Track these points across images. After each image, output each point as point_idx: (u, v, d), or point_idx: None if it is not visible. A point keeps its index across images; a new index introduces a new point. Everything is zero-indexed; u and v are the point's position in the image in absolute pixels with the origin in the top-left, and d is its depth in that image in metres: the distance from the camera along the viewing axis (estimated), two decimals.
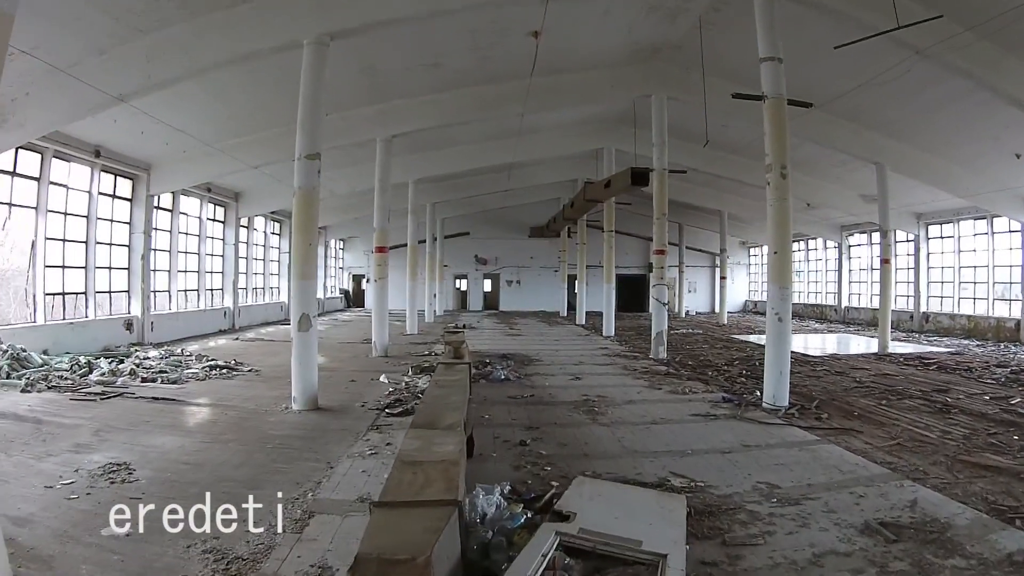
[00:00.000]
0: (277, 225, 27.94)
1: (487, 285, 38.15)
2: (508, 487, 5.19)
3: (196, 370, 12.20)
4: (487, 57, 13.49)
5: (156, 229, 18.29)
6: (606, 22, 13.05)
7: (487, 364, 12.84)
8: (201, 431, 7.83)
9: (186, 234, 20.29)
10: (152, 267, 17.84)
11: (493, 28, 12.22)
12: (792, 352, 16.62)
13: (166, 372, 11.83)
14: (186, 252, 20.32)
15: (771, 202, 9.53)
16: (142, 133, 14.97)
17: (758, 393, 10.06)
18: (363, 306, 36.53)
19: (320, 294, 33.73)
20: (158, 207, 18.41)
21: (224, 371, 12.40)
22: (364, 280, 37.57)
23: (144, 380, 11.02)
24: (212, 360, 13.49)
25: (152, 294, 17.64)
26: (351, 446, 7.04)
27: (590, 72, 15.23)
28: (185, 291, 20.34)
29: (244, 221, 23.93)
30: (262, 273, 26.54)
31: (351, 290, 38.25)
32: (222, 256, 22.54)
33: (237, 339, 18.78)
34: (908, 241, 25.42)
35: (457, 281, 38.23)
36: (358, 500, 5.34)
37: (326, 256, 34.74)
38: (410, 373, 11.82)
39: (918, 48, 12.24)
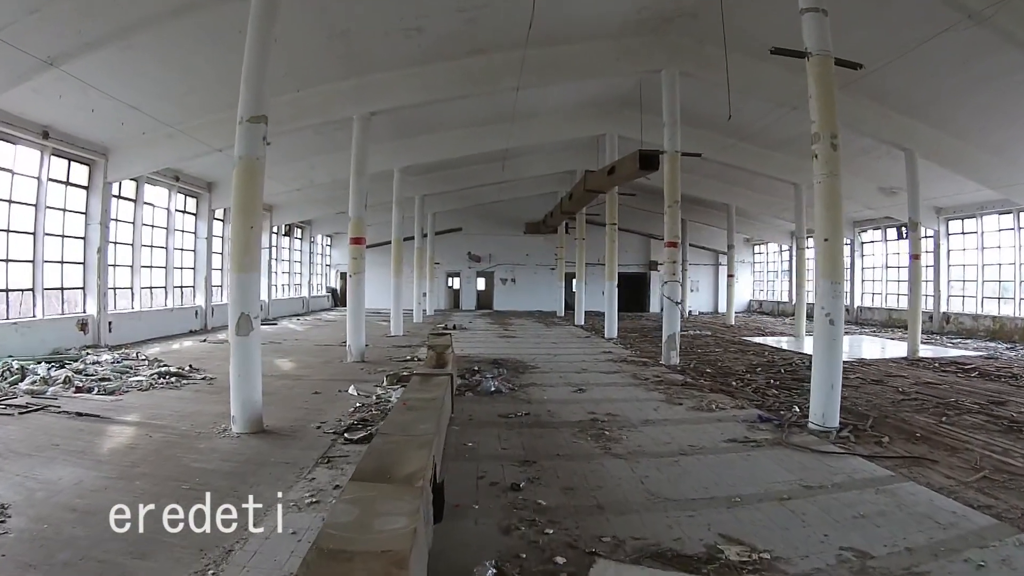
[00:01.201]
0: None
1: (480, 283, 36.38)
2: (492, 571, 3.65)
3: (143, 378, 10.66)
4: (475, 20, 11.80)
5: (116, 220, 16.71)
6: None
7: (476, 372, 11.14)
8: (112, 461, 6.27)
9: (152, 226, 18.57)
10: (112, 262, 16.32)
11: None
12: (806, 355, 15.28)
13: (109, 380, 10.34)
14: (151, 246, 18.59)
15: (819, 178, 7.91)
16: (92, 111, 13.36)
17: (797, 409, 8.48)
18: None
19: (305, 292, 32.15)
20: (118, 196, 16.82)
21: (174, 379, 10.79)
22: (349, 276, 35.72)
23: (78, 390, 9.59)
24: (164, 366, 11.90)
25: (111, 291, 16.07)
26: (289, 488, 5.38)
27: (593, 42, 13.52)
28: (151, 288, 18.62)
29: (219, 214, 22.29)
30: None
31: (339, 288, 36.56)
32: (193, 251, 20.81)
33: (205, 341, 17.11)
34: (927, 237, 23.76)
35: (449, 279, 36.51)
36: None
37: (311, 252, 33.13)
38: (385, 383, 10.10)
39: (971, 11, 10.71)
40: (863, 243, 28.23)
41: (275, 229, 27.64)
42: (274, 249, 27.70)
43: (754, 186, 25.80)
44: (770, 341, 18.77)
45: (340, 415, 7.85)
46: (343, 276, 36.42)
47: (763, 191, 26.28)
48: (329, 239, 35.97)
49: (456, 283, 36.57)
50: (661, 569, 3.83)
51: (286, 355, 13.94)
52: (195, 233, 20.86)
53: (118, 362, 12.35)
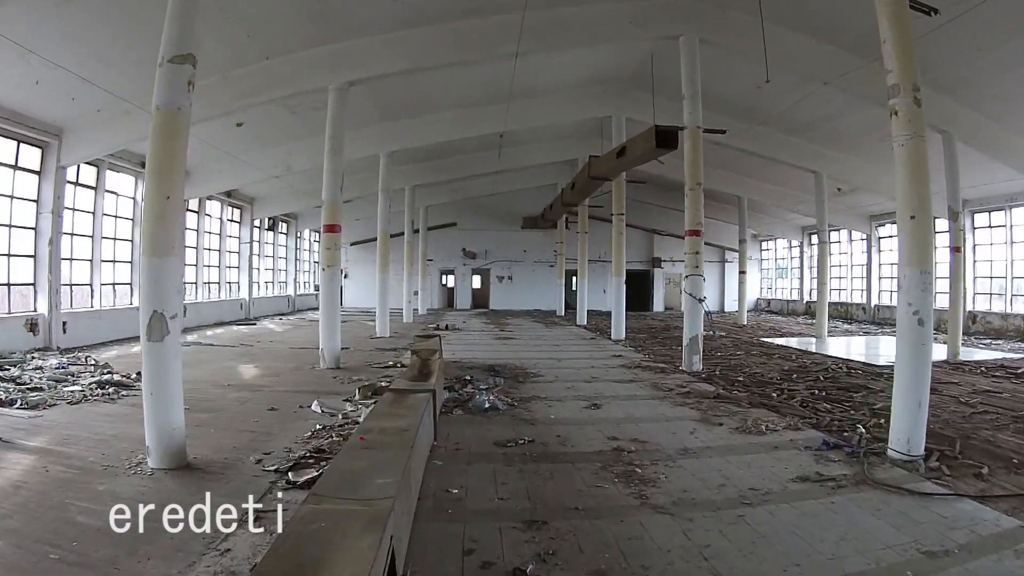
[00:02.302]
0: (236, 212, 24.44)
1: (476, 281, 34.43)
2: None
3: (79, 388, 9.05)
4: None
5: (73, 209, 15.03)
6: None
7: (468, 382, 9.32)
8: None
9: (116, 217, 16.83)
10: (69, 255, 14.77)
11: None
12: (846, 359, 13.75)
13: (42, 390, 8.81)
14: (115, 239, 16.83)
15: (901, 140, 6.27)
16: (37, 83, 11.74)
17: (863, 430, 6.85)
18: (341, 304, 32.73)
19: (290, 290, 30.40)
20: (76, 183, 15.16)
21: (113, 390, 9.12)
22: (343, 276, 34.07)
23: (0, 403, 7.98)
24: (109, 373, 10.30)
25: (66, 288, 14.47)
26: (191, 567, 3.66)
27: (603, 3, 11.83)
28: (113, 285, 16.88)
29: (194, 204, 20.59)
30: (217, 265, 23.05)
31: None
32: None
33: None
34: (948, 232, 22.41)
35: (443, 277, 34.60)
36: None
37: (297, 248, 31.38)
38: (357, 396, 8.24)
39: None
40: (880, 238, 26.58)
41: (256, 223, 25.86)
42: (256, 244, 25.95)
43: (766, 176, 24.18)
44: (792, 342, 17.09)
45: (292, 442, 6.10)
46: None
47: (776, 181, 24.70)
48: (317, 234, 34.14)
49: (450, 281, 34.66)
50: None
51: (254, 360, 12.23)
52: None
53: (62, 367, 10.84)
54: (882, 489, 5.11)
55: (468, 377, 9.58)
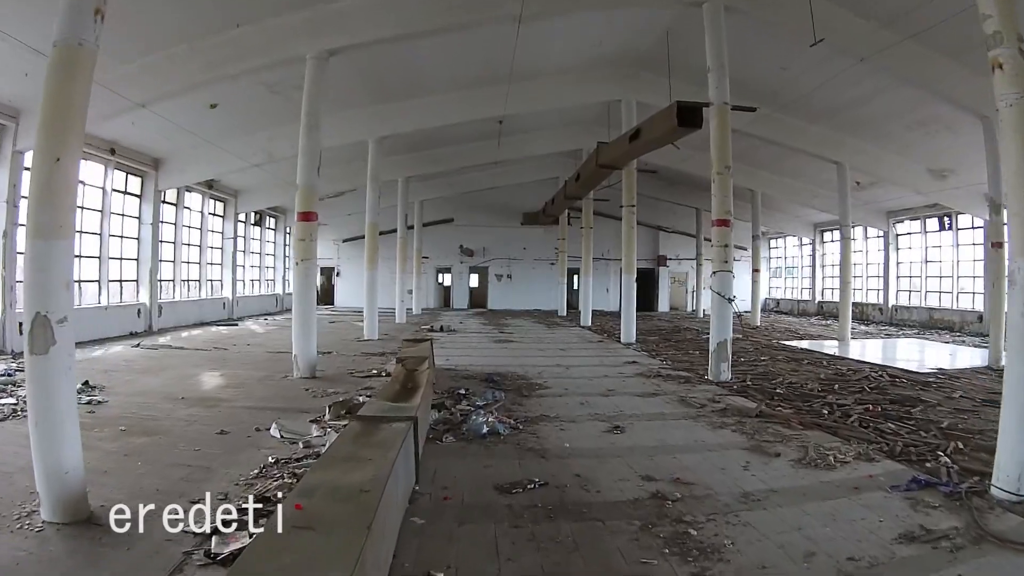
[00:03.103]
0: (219, 205, 23.04)
1: (474, 280, 32.95)
2: None
3: (15, 400, 7.96)
4: None
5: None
6: None
7: (463, 395, 7.83)
8: None
9: (82, 208, 15.42)
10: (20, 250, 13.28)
11: None
12: (883, 366, 12.41)
13: None
14: (81, 232, 15.42)
15: (1009, 100, 4.94)
16: None
17: (947, 459, 5.57)
18: (332, 303, 31.77)
19: (278, 289, 28.98)
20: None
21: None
22: (335, 274, 32.73)
23: None
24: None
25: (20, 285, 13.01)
26: None
27: None
28: (79, 282, 15.49)
29: (172, 196, 19.13)
30: (198, 262, 21.65)
31: (319, 285, 33.32)
32: (137, 239, 17.62)
33: (138, 345, 14.03)
34: (975, 228, 21.18)
35: (439, 275, 33.15)
36: None
37: (286, 244, 29.94)
38: (327, 416, 6.69)
39: None
40: (898, 235, 25.17)
41: (242, 217, 24.45)
42: (240, 240, 24.54)
43: (781, 169, 22.84)
44: (815, 346, 15.75)
45: (234, 483, 4.70)
46: (325, 272, 33.33)
47: (791, 174, 23.36)
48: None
49: (447, 279, 33.20)
50: None
51: (222, 367, 10.83)
52: (139, 218, 17.66)
53: (8, 374, 9.63)
54: (1010, 549, 3.79)
55: (463, 390, 8.11)
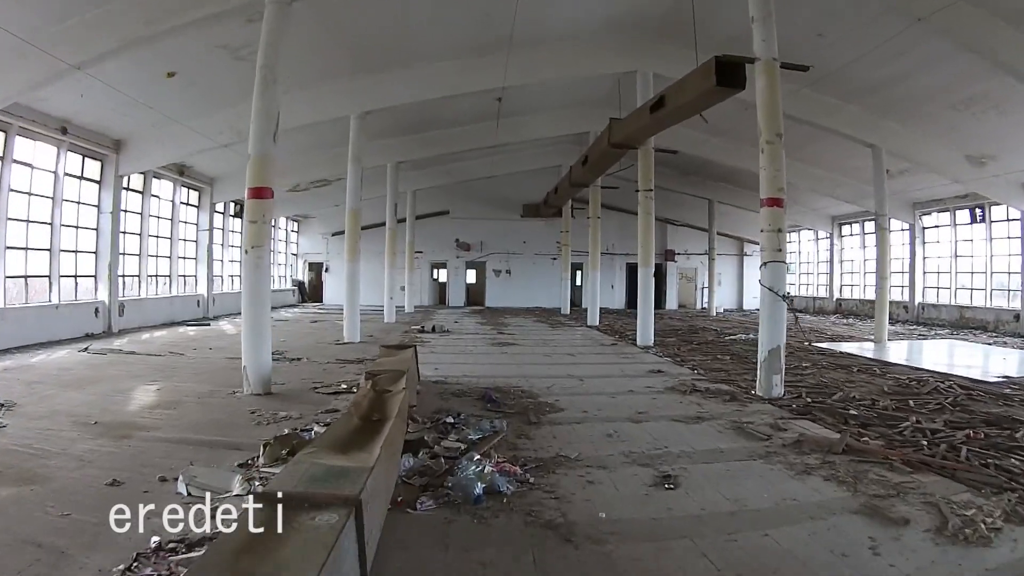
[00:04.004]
0: (194, 195, 21.29)
1: (470, 276, 31.67)
2: None
3: None
4: None
5: None
6: None
7: (452, 424, 6.05)
8: None
9: (28, 194, 13.74)
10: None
11: None
12: (944, 374, 10.74)
13: None
14: (27, 220, 13.73)
15: None
16: None
17: None
18: (321, 301, 30.40)
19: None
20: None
21: None
22: (324, 269, 31.11)
23: None
24: None
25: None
26: None
27: None
28: (25, 277, 13.79)
29: (137, 182, 17.40)
30: (168, 256, 19.92)
31: (308, 281, 31.72)
32: (95, 229, 15.88)
33: (86, 349, 12.34)
34: (1012, 220, 19.75)
35: (434, 271, 31.86)
36: None
37: (271, 239, 28.10)
38: (261, 459, 4.92)
39: None
40: (924, 228, 23.73)
41: (219, 208, 22.68)
42: (218, 232, 22.78)
43: (802, 155, 21.19)
44: (853, 349, 14.10)
45: None
46: (313, 267, 31.73)
47: (813, 162, 21.83)
48: (296, 224, 31.12)
49: (442, 275, 31.86)
50: None
51: (165, 378, 9.07)
52: (98, 207, 15.93)
53: None
54: None
55: (451, 417, 6.28)
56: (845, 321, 23.98)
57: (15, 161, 13.05)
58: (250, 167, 8.21)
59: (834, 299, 28.58)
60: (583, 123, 19.58)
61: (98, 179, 15.86)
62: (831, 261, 28.94)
